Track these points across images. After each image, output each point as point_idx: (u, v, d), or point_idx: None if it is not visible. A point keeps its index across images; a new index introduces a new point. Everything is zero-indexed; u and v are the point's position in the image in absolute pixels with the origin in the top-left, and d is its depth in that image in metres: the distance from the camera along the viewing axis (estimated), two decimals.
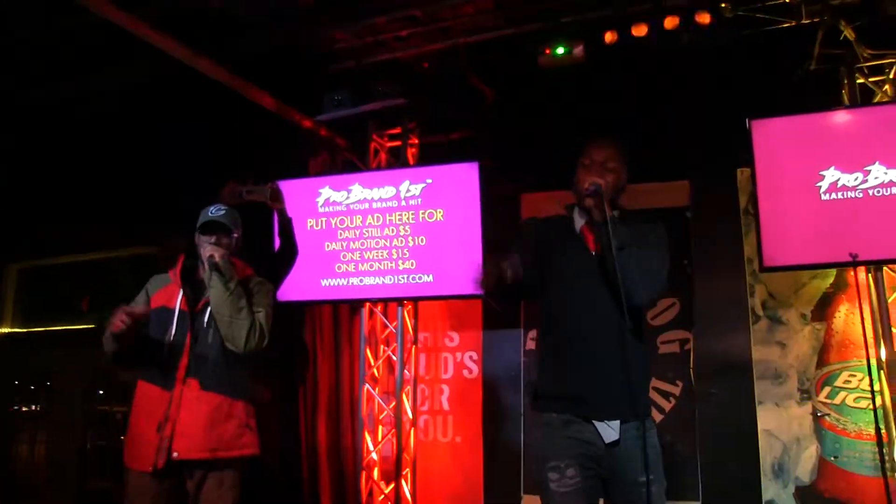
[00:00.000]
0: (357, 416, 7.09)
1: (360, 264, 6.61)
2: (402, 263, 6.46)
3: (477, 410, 7.13)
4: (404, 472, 6.80)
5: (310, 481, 6.90)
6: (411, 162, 7.29)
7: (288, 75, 6.74)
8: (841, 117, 5.67)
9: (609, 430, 3.12)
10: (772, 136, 5.67)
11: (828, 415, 6.14)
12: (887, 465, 5.34)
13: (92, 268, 9.14)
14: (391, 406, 6.96)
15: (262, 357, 3.88)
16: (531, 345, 6.94)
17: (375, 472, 6.99)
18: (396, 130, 7.38)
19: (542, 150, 6.78)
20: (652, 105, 6.40)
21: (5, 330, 9.61)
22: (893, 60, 5.98)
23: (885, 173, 5.36)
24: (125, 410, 3.89)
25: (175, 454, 3.60)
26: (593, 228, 3.29)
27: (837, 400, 6.14)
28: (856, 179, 5.43)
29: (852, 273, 5.62)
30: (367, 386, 7.09)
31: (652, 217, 3.44)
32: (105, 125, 7.17)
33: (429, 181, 6.47)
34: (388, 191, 6.59)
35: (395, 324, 7.03)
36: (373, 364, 7.15)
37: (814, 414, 6.18)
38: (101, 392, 8.76)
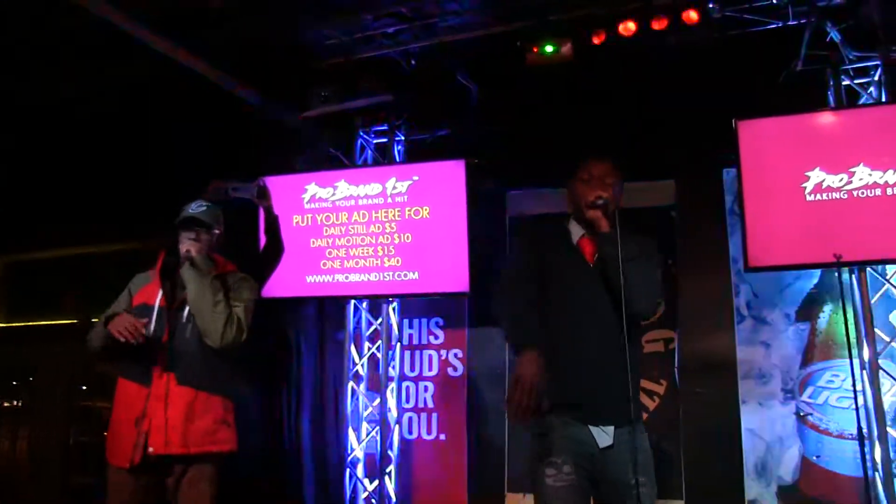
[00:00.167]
0: (341, 413, 7.08)
1: (345, 261, 6.60)
2: (388, 260, 6.46)
3: (461, 408, 7.13)
4: (388, 470, 6.80)
5: (293, 478, 6.88)
6: (398, 159, 7.28)
7: (274, 71, 6.71)
8: (826, 118, 5.70)
9: (603, 435, 3.15)
10: (758, 137, 5.69)
11: (811, 414, 6.16)
12: (869, 464, 5.38)
13: (77, 263, 9.09)
14: (375, 403, 6.95)
15: (241, 352, 3.87)
16: None
17: (359, 470, 6.98)
18: (383, 127, 7.36)
19: (529, 149, 6.79)
20: (638, 104, 6.41)
21: None
22: (878, 62, 6.00)
23: (870, 174, 5.40)
24: (109, 406, 3.87)
25: (151, 449, 3.58)
26: (595, 240, 3.32)
27: (820, 399, 6.16)
28: (841, 180, 5.46)
29: (836, 274, 5.65)
30: (351, 383, 7.08)
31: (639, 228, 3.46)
32: (90, 121, 7.12)
33: (415, 178, 6.47)
34: (375, 188, 6.59)
35: (380, 321, 7.02)
36: (357, 361, 7.14)
37: (797, 413, 6.20)
38: (84, 388, 8.72)
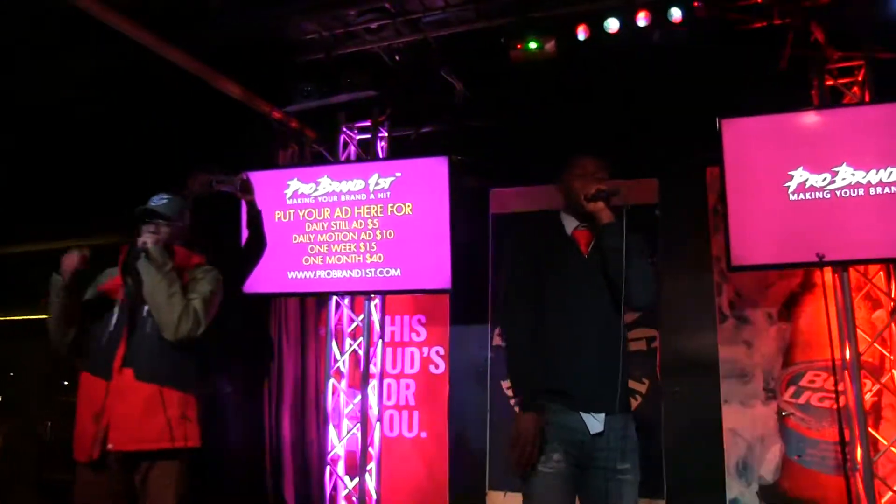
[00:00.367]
0: (322, 410, 7.04)
1: (327, 257, 6.57)
2: (370, 257, 6.43)
3: (443, 406, 7.12)
4: (369, 468, 6.77)
5: (273, 475, 6.85)
6: (381, 155, 7.25)
7: (257, 66, 6.68)
8: (810, 118, 5.70)
9: (594, 422, 3.22)
10: (741, 136, 5.69)
11: (792, 414, 6.17)
12: (850, 464, 5.39)
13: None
14: (356, 400, 6.92)
15: (204, 347, 3.81)
16: (498, 340, 6.92)
17: (340, 467, 6.95)
18: (366, 123, 7.33)
19: (512, 146, 6.79)
20: (622, 102, 6.41)
21: None
22: (862, 63, 6.02)
23: (853, 174, 5.41)
24: None
25: (110, 445, 3.54)
26: (595, 231, 3.43)
27: (802, 399, 6.17)
28: (824, 180, 5.46)
29: (819, 273, 5.66)
30: (332, 380, 7.05)
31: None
32: (69, 115, 7.06)
33: (398, 175, 6.45)
34: (357, 184, 6.55)
35: (361, 318, 6.97)
36: (339, 358, 7.10)
37: (779, 413, 6.21)
38: (66, 383, 8.66)
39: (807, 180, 5.50)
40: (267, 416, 6.92)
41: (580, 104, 6.48)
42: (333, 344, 7.09)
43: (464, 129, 7.01)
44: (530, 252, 3.49)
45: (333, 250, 6.55)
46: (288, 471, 6.88)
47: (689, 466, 6.27)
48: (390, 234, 6.40)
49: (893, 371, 5.82)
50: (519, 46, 6.05)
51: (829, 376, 5.99)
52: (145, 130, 6.96)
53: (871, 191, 5.37)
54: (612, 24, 5.84)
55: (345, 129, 7.40)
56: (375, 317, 7.02)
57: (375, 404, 6.93)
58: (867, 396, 5.72)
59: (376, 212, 6.46)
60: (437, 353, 7.24)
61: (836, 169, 5.45)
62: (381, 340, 7.05)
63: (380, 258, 6.40)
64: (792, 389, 6.21)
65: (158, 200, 3.93)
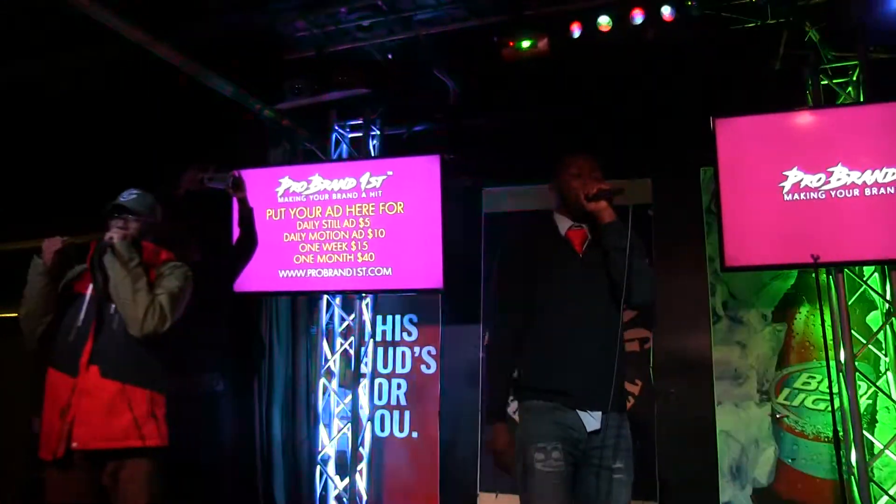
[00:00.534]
0: (313, 409, 7.01)
1: (318, 256, 6.54)
2: (361, 256, 6.40)
3: (434, 406, 7.07)
4: (359, 468, 6.75)
5: (264, 474, 6.81)
6: (373, 153, 7.22)
7: (248, 63, 6.64)
8: (805, 118, 5.67)
9: (591, 420, 3.26)
10: (736, 136, 5.66)
11: (786, 416, 6.14)
12: (844, 467, 5.36)
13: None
14: (347, 400, 6.88)
15: (172, 344, 3.77)
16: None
17: (330, 467, 6.92)
18: (358, 121, 7.30)
19: (505, 145, 6.76)
20: (616, 101, 6.38)
21: None
22: (856, 63, 6.00)
23: (848, 175, 5.38)
24: None
25: (74, 444, 3.50)
26: (594, 231, 3.46)
27: (796, 402, 6.14)
28: (819, 180, 5.43)
29: (813, 274, 5.62)
30: (323, 379, 7.01)
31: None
32: (57, 110, 7.02)
33: (389, 173, 6.41)
34: (349, 182, 6.52)
35: (352, 317, 6.95)
36: (330, 357, 7.08)
37: (772, 415, 6.18)
38: None
39: (801, 181, 5.47)
40: (257, 415, 6.88)
41: (573, 103, 6.45)
42: (324, 343, 7.07)
43: (456, 128, 6.98)
44: (520, 261, 3.52)
45: (325, 249, 6.52)
46: (278, 471, 6.84)
47: (682, 468, 6.24)
48: (382, 233, 6.36)
49: (888, 373, 5.80)
50: (511, 45, 6.02)
51: (823, 378, 5.98)
52: (135, 128, 6.91)
53: (867, 191, 5.34)
54: (605, 22, 5.81)
55: (336, 128, 7.38)
56: (366, 316, 7.00)
57: (366, 404, 6.90)
58: (862, 399, 5.69)
59: (368, 210, 6.43)
60: (429, 352, 7.19)
61: (831, 169, 5.42)
62: (372, 340, 7.03)
63: (371, 257, 6.36)
64: (786, 391, 6.17)
65: (128, 196, 3.92)
